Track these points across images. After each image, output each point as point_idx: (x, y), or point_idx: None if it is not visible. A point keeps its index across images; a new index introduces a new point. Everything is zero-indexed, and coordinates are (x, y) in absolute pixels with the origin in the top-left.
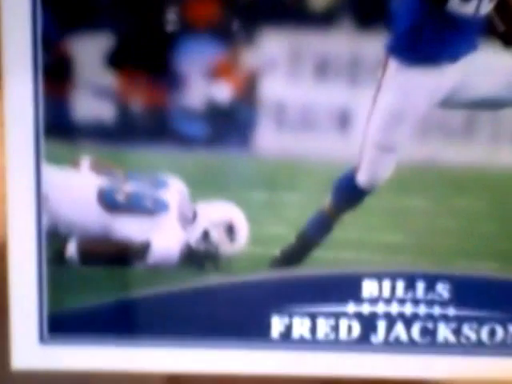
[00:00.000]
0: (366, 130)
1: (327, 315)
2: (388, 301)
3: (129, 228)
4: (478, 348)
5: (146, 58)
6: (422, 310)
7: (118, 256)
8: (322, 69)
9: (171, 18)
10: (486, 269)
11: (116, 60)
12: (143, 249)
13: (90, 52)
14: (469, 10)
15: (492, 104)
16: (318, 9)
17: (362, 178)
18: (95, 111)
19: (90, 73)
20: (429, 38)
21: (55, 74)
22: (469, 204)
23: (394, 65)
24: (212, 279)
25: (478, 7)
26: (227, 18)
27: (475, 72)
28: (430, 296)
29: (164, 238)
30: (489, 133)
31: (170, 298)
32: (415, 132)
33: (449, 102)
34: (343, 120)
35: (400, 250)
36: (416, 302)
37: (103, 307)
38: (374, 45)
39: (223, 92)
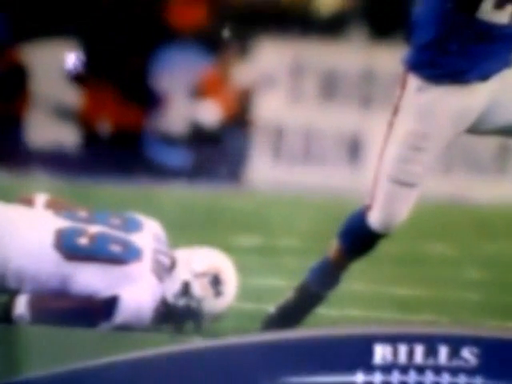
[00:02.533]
0: (381, 160)
1: None
2: (404, 369)
3: (92, 279)
4: None
5: (118, 70)
6: (445, 379)
7: (79, 314)
8: (329, 87)
9: (151, 23)
10: None
11: (81, 73)
12: (110, 305)
13: (49, 62)
14: (503, 18)
15: None
16: (325, 16)
17: (374, 219)
18: (54, 135)
19: (48, 87)
20: (456, 51)
21: (6, 88)
22: (501, 251)
23: (414, 83)
24: (193, 343)
25: None
26: (217, 24)
27: (509, 92)
28: (455, 363)
29: (135, 291)
30: None
31: (140, 366)
32: (438, 164)
33: (478, 128)
34: (353, 148)
35: (419, 307)
36: (438, 369)
37: (58, 379)
38: (390, 59)
39: (210, 114)
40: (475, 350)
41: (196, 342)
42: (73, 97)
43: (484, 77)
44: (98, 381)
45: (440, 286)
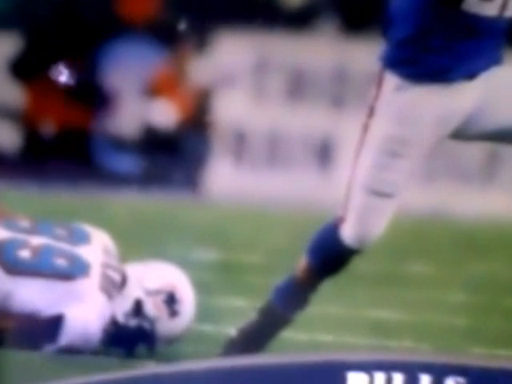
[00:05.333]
0: (354, 167)
1: None
2: None
3: (35, 296)
4: None
5: (63, 67)
6: None
7: (20, 335)
8: (297, 85)
9: (98, 14)
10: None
11: (23, 69)
12: (54, 325)
13: None
14: (491, 11)
15: None
16: (292, 6)
17: (347, 233)
18: None
19: None
20: (439, 47)
21: None
22: (488, 271)
23: (391, 82)
24: (145, 368)
25: (503, 7)
26: (172, 15)
27: (499, 92)
28: None
29: (82, 310)
30: None
31: None
32: (419, 173)
33: (464, 133)
34: (323, 153)
35: (398, 332)
36: None
37: None
38: (365, 55)
39: (164, 115)
40: (460, 379)
41: (149, 367)
42: (14, 95)
43: (470, 75)
44: None
45: (421, 309)
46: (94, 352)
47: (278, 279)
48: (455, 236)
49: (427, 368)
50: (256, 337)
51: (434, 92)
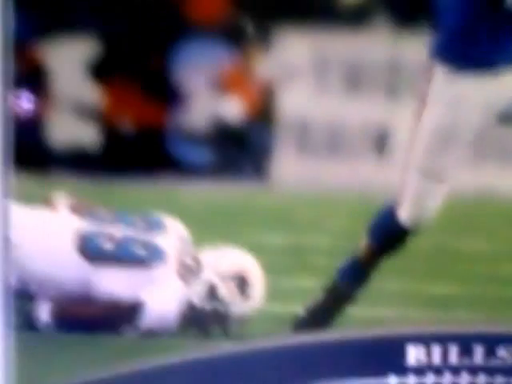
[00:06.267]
0: (409, 153)
1: None
2: (439, 370)
3: (117, 283)
4: None
5: (138, 67)
6: (482, 380)
7: (103, 320)
8: (354, 78)
9: (168, 16)
10: None
11: (102, 70)
12: (134, 309)
13: (70, 60)
14: None
15: None
16: (348, 5)
17: (404, 214)
18: (76, 135)
19: (69, 86)
20: (485, 38)
21: (28, 88)
22: None
23: (442, 72)
24: (220, 348)
25: None
26: (238, 16)
27: None
28: (492, 362)
29: (160, 295)
30: None
31: (167, 372)
32: (469, 156)
33: (510, 117)
34: (380, 141)
35: (453, 305)
36: (473, 370)
37: None
38: (416, 48)
39: (233, 109)
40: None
41: (223, 347)
42: (94, 95)
43: None
44: None
45: (475, 283)
46: (172, 334)
47: (342, 259)
48: (507, 213)
49: (481, 339)
50: (322, 314)
51: (480, 80)
